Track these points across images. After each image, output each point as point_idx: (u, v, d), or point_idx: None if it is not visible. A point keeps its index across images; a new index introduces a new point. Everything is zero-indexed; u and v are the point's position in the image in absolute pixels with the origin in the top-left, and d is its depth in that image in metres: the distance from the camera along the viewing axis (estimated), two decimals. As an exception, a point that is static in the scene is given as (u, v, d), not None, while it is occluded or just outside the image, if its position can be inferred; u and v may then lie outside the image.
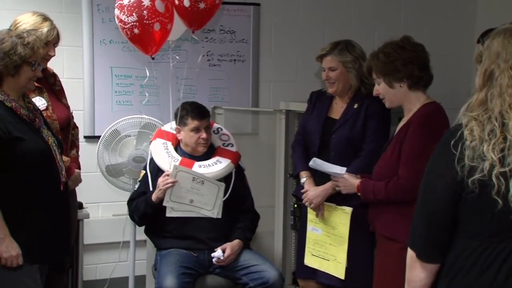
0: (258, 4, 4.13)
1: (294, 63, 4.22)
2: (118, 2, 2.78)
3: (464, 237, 1.61)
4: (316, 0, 4.27)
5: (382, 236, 2.55)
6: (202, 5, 2.81)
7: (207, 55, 4.03)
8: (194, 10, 2.82)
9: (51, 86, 3.00)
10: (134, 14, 2.71)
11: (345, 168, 2.79)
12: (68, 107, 3.07)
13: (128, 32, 2.77)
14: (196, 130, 3.16)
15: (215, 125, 3.39)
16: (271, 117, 3.90)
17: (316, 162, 2.85)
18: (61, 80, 3.12)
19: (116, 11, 2.79)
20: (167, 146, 3.22)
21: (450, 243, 1.64)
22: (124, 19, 2.74)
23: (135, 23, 2.72)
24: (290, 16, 4.22)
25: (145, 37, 2.78)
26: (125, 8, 2.73)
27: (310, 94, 3.19)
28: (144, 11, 2.71)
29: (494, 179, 1.50)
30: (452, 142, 1.57)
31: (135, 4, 2.72)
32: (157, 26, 2.74)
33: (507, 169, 1.50)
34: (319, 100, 3.12)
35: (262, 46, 4.17)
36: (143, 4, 2.71)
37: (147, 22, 2.72)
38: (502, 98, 1.55)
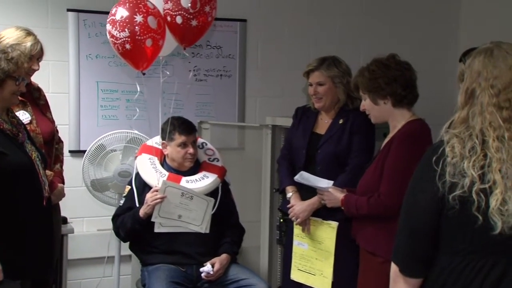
0: (245, 20, 4.16)
1: (280, 78, 4.24)
2: (110, 18, 2.78)
3: (446, 253, 1.63)
4: (302, 16, 4.31)
5: (364, 250, 2.57)
6: (194, 23, 2.83)
7: (194, 70, 4.04)
8: (186, 27, 2.83)
9: (36, 100, 2.99)
10: (126, 29, 2.71)
11: (331, 182, 2.80)
12: (52, 121, 3.06)
13: (120, 48, 2.77)
14: (183, 145, 3.16)
15: (200, 140, 3.39)
16: (257, 132, 3.92)
17: (303, 176, 2.86)
18: (46, 94, 3.12)
19: (108, 27, 2.79)
20: (154, 162, 3.21)
21: (433, 258, 1.66)
22: (116, 34, 2.74)
23: (127, 39, 2.72)
24: (276, 32, 4.25)
25: (136, 52, 2.78)
26: (117, 23, 2.73)
27: (296, 110, 3.21)
28: (136, 27, 2.72)
29: (474, 195, 1.52)
30: (434, 158, 1.59)
31: (127, 20, 2.72)
32: (149, 42, 2.75)
33: (487, 185, 1.52)
34: (305, 115, 3.14)
35: (248, 61, 4.19)
36: (135, 20, 2.72)
37: (139, 38, 2.72)
38: (483, 116, 1.57)
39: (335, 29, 4.38)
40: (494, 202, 1.50)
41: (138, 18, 2.72)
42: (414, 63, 2.67)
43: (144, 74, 2.91)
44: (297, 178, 2.88)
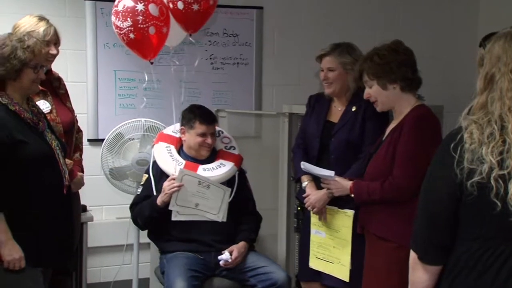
0: (261, 8, 4.14)
1: (297, 66, 4.23)
2: (114, 9, 2.84)
3: (465, 239, 1.62)
4: (319, 4, 4.29)
5: (374, 236, 2.57)
6: (196, 7, 2.84)
7: (210, 58, 4.05)
8: (188, 12, 2.85)
9: (56, 89, 3.01)
10: (128, 19, 2.76)
11: (333, 172, 2.80)
12: (72, 111, 3.08)
13: (125, 38, 2.82)
14: (202, 135, 3.17)
15: (216, 128, 3.40)
16: (274, 120, 3.91)
17: (305, 166, 2.86)
18: (65, 83, 3.14)
19: (112, 18, 2.84)
20: (171, 150, 3.23)
21: (452, 245, 1.65)
22: (120, 24, 2.79)
23: (130, 28, 2.77)
24: (292, 19, 4.23)
25: (141, 41, 2.82)
26: (120, 14, 2.78)
27: (309, 98, 3.21)
28: (138, 16, 2.75)
29: (492, 181, 1.51)
30: (452, 145, 1.58)
31: (129, 10, 2.76)
32: (152, 30, 2.78)
33: (505, 171, 1.51)
34: (318, 103, 3.13)
35: (265, 49, 4.18)
36: (136, 9, 2.76)
37: (142, 26, 2.76)
38: (502, 102, 1.55)
39: (351, 16, 4.35)
40: (513, 188, 1.49)
41: (140, 7, 2.76)
42: (433, 49, 2.66)
43: (152, 63, 2.94)
44: (303, 168, 2.88)
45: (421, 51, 2.65)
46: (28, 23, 2.83)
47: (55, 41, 2.91)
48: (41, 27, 2.83)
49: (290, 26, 4.22)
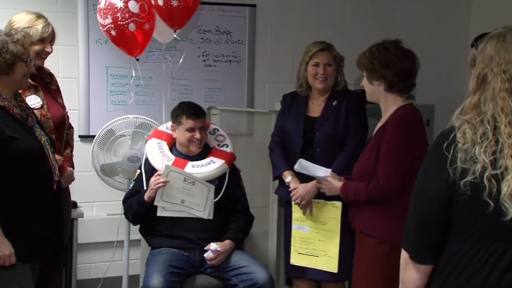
0: (254, 5, 4.14)
1: (289, 64, 4.22)
2: (98, 7, 2.86)
3: (457, 239, 1.62)
4: (312, 2, 4.29)
5: (360, 233, 2.61)
6: (175, 3, 2.84)
7: (203, 55, 4.04)
8: (168, 9, 2.85)
9: (47, 85, 3.00)
10: (109, 16, 2.77)
11: (329, 170, 2.81)
12: (63, 107, 3.07)
13: (107, 35, 2.84)
14: (191, 130, 3.17)
15: (212, 126, 3.40)
16: (266, 117, 3.91)
17: (301, 164, 2.86)
18: (56, 79, 3.12)
19: (97, 16, 2.86)
20: (162, 146, 3.23)
21: (443, 245, 1.65)
22: (102, 22, 2.82)
23: (111, 25, 2.78)
24: (285, 17, 4.23)
25: (122, 38, 2.82)
26: (102, 11, 2.80)
27: (283, 97, 3.26)
28: (118, 13, 2.76)
29: (485, 181, 1.51)
30: (445, 144, 1.59)
31: (109, 7, 2.78)
32: (132, 27, 2.79)
33: (498, 171, 1.51)
34: (294, 101, 3.18)
35: (257, 47, 4.18)
36: (116, 6, 2.77)
37: (121, 23, 2.77)
38: (494, 102, 1.56)
39: (345, 15, 4.36)
40: (505, 188, 1.49)
41: (119, 4, 2.77)
42: (425, 49, 2.67)
43: (137, 60, 2.94)
44: (296, 167, 2.89)
45: (413, 50, 2.65)
46: (26, 20, 2.82)
47: (51, 39, 2.90)
48: (40, 25, 2.83)
49: (283, 24, 4.22)
